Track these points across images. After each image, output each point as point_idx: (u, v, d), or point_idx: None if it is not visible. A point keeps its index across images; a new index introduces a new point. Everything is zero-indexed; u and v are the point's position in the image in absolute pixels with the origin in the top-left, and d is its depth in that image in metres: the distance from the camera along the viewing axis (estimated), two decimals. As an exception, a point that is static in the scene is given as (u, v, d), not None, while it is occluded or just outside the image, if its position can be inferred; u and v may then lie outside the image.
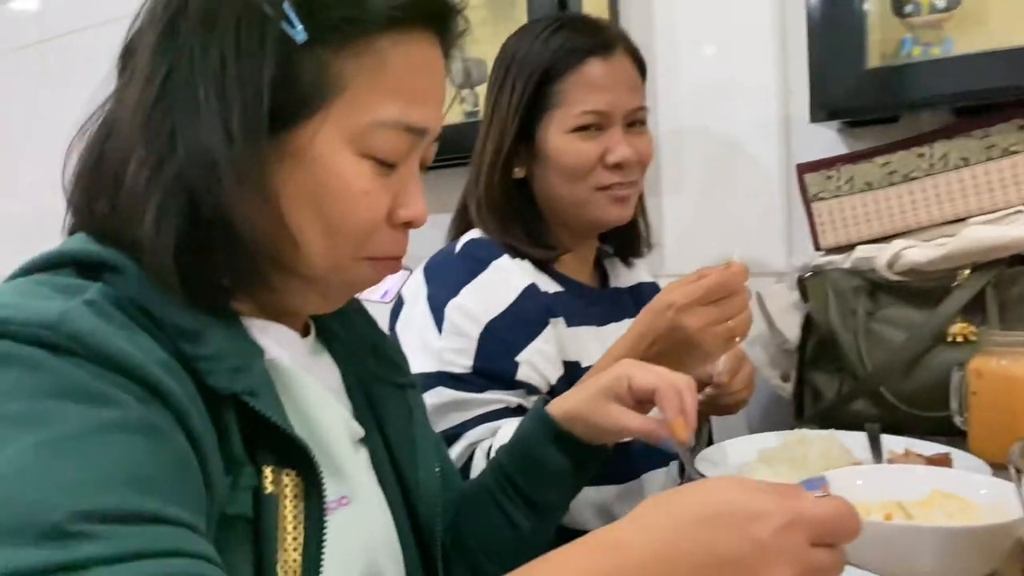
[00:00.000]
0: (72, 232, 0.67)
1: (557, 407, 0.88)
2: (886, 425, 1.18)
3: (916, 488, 0.86)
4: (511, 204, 1.19)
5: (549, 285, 1.18)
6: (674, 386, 0.81)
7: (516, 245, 1.18)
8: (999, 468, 1.02)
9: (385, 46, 0.64)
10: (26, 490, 0.46)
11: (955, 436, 1.12)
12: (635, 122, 1.20)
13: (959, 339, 1.22)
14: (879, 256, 1.31)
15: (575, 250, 1.24)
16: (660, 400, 0.81)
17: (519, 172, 1.19)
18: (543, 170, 1.18)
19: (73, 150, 0.66)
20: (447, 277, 1.15)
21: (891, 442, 1.11)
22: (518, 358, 1.09)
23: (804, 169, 1.40)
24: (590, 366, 1.14)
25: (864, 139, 1.43)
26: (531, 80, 1.15)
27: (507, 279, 1.14)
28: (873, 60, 1.31)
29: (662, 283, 1.46)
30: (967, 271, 1.24)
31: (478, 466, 1.04)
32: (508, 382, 1.08)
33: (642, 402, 0.84)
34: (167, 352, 0.58)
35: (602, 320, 1.25)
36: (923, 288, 1.27)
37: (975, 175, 1.27)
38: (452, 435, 1.07)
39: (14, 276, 0.62)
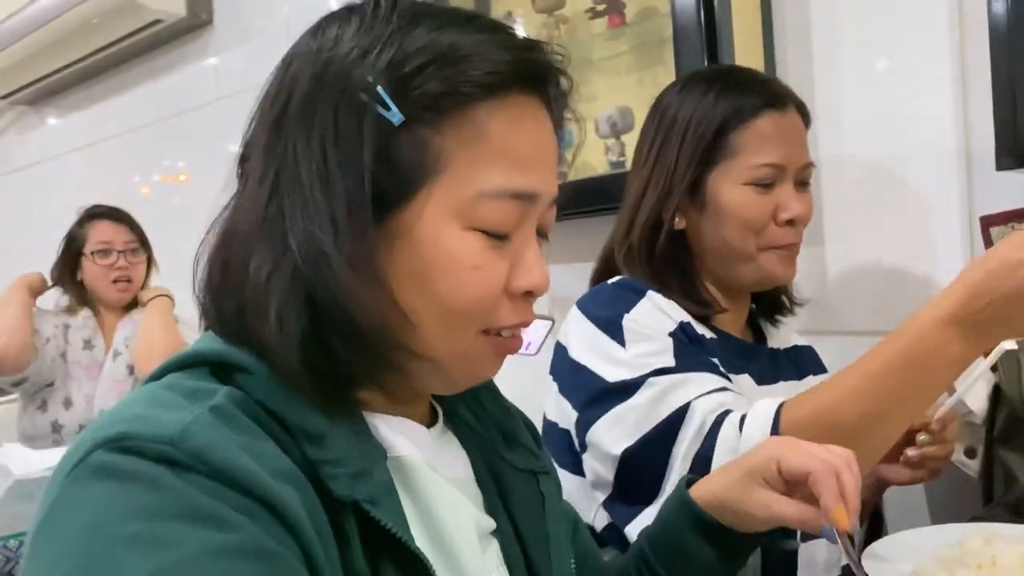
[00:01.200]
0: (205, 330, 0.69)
1: (701, 491, 0.82)
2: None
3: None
4: (667, 255, 1.16)
5: (703, 330, 1.15)
6: (831, 467, 0.73)
7: (668, 296, 1.15)
8: None
9: (483, 115, 0.63)
10: None
11: None
12: (804, 179, 1.18)
13: None
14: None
15: (730, 306, 1.19)
16: (816, 485, 0.73)
17: (680, 223, 1.16)
18: (709, 222, 1.15)
19: (201, 256, 0.68)
20: (610, 303, 1.13)
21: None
22: (703, 357, 1.08)
23: (989, 223, 1.25)
24: None
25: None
26: (707, 131, 1.13)
27: (665, 310, 1.12)
28: (1072, 96, 1.15)
29: (817, 341, 1.36)
30: None
31: (727, 435, 0.99)
32: (715, 369, 1.08)
33: (795, 484, 0.77)
34: (291, 457, 0.58)
35: (760, 377, 1.19)
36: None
37: None
38: (680, 414, 1.02)
39: (153, 377, 0.64)
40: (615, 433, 1.04)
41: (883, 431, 0.96)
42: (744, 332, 1.25)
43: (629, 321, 1.08)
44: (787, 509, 0.76)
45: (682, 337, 1.09)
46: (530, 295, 0.68)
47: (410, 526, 0.63)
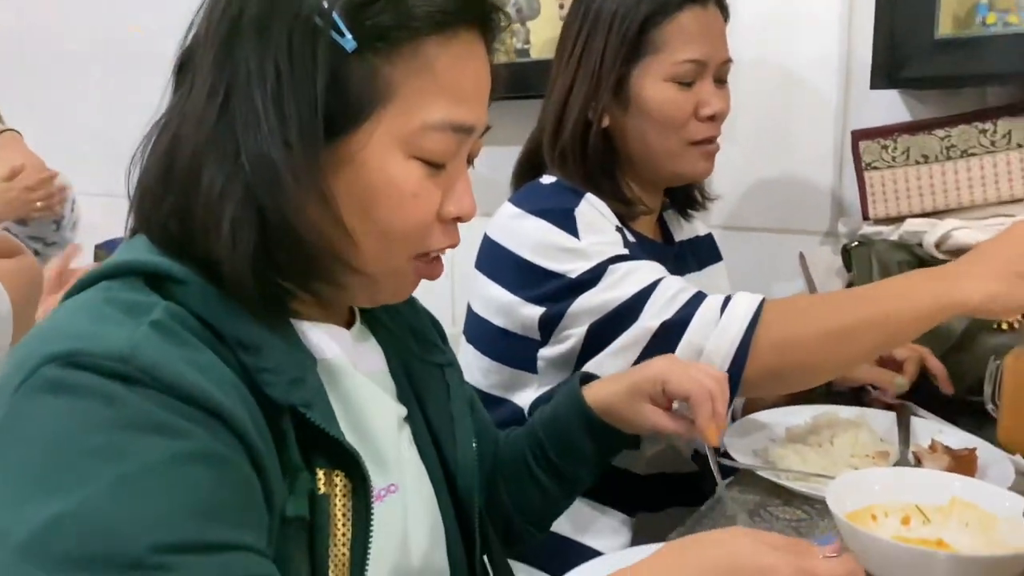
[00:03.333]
0: (133, 234, 0.70)
1: (593, 394, 0.92)
2: (921, 401, 1.20)
3: (936, 493, 0.88)
4: (597, 154, 1.17)
5: (628, 234, 1.18)
6: (708, 391, 0.85)
7: (601, 198, 1.17)
8: (1027, 461, 1.05)
9: (431, 49, 0.66)
10: (110, 523, 0.51)
11: (990, 418, 1.13)
12: (722, 76, 1.19)
13: (1005, 326, 1.22)
14: (929, 233, 1.29)
15: (647, 201, 1.24)
16: (693, 406, 0.85)
17: (605, 121, 1.17)
18: (633, 119, 1.16)
19: (136, 161, 0.68)
20: (554, 198, 1.14)
21: (920, 426, 1.13)
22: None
23: (860, 136, 1.37)
24: None
25: (926, 103, 1.39)
26: (630, 28, 1.13)
27: (603, 212, 1.14)
28: (945, 26, 1.25)
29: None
30: (1018, 257, 1.22)
31: (707, 313, 1.03)
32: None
33: (676, 399, 0.88)
34: (230, 367, 0.62)
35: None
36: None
37: (1038, 156, 1.23)
38: (648, 290, 1.06)
39: (82, 284, 0.65)
40: (583, 320, 1.06)
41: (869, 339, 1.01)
42: (655, 230, 1.30)
43: (579, 213, 1.10)
44: (668, 425, 0.88)
45: (623, 236, 1.13)
46: (459, 220, 0.72)
47: (339, 422, 0.70)
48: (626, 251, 1.10)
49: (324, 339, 0.73)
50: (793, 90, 1.52)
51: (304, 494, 0.65)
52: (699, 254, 1.36)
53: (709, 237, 1.40)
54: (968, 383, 1.19)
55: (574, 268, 1.08)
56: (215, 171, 0.63)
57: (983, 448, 1.05)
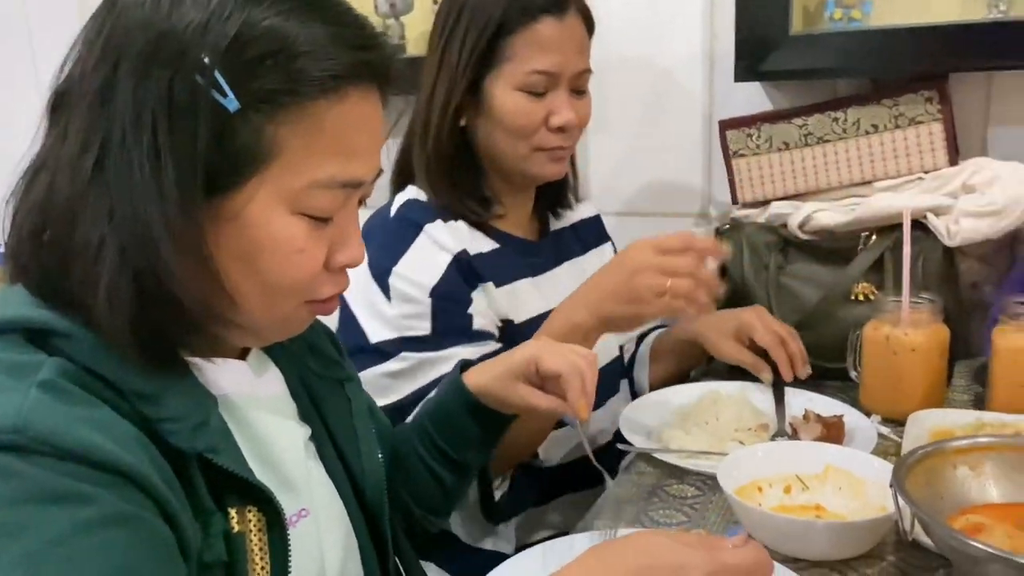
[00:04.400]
0: (12, 281, 0.67)
1: (473, 380, 0.95)
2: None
3: (812, 462, 0.97)
4: (457, 153, 1.19)
5: (483, 244, 1.20)
6: (577, 369, 0.88)
7: (455, 201, 1.19)
8: (888, 422, 1.16)
9: (321, 109, 0.64)
10: None
11: (853, 384, 1.24)
12: (579, 87, 1.20)
13: (861, 297, 1.33)
14: (792, 215, 1.39)
15: (513, 201, 1.26)
16: (564, 383, 0.88)
17: (463, 120, 1.19)
18: (486, 123, 1.18)
19: (10, 203, 0.65)
20: (384, 243, 1.16)
21: (793, 395, 1.23)
22: (470, 310, 1.15)
23: (726, 126, 1.45)
24: (528, 320, 1.21)
25: (785, 94, 1.48)
26: (484, 32, 1.14)
27: (440, 245, 1.16)
28: (797, 22, 1.34)
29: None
30: (872, 235, 1.33)
31: None
32: (468, 334, 1.14)
33: (550, 379, 0.91)
34: (129, 420, 0.60)
35: (539, 270, 1.28)
36: (831, 248, 1.37)
37: (883, 141, 1.34)
38: (426, 391, 1.10)
39: None
40: (369, 391, 1.09)
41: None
42: (529, 225, 1.32)
43: (396, 278, 1.13)
44: (541, 402, 0.91)
45: (451, 284, 1.14)
46: (348, 267, 0.72)
47: (246, 458, 0.70)
48: (425, 331, 1.12)
49: (222, 374, 0.72)
50: (663, 85, 1.59)
51: (219, 536, 0.65)
52: (584, 237, 1.38)
53: (596, 219, 1.43)
54: (828, 352, 1.29)
55: (374, 332, 1.13)
56: (89, 229, 0.61)
57: (849, 413, 1.15)
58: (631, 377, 1.43)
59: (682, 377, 1.41)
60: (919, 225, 1.30)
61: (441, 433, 0.97)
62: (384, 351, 1.13)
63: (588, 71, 1.21)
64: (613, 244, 1.44)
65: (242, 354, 0.78)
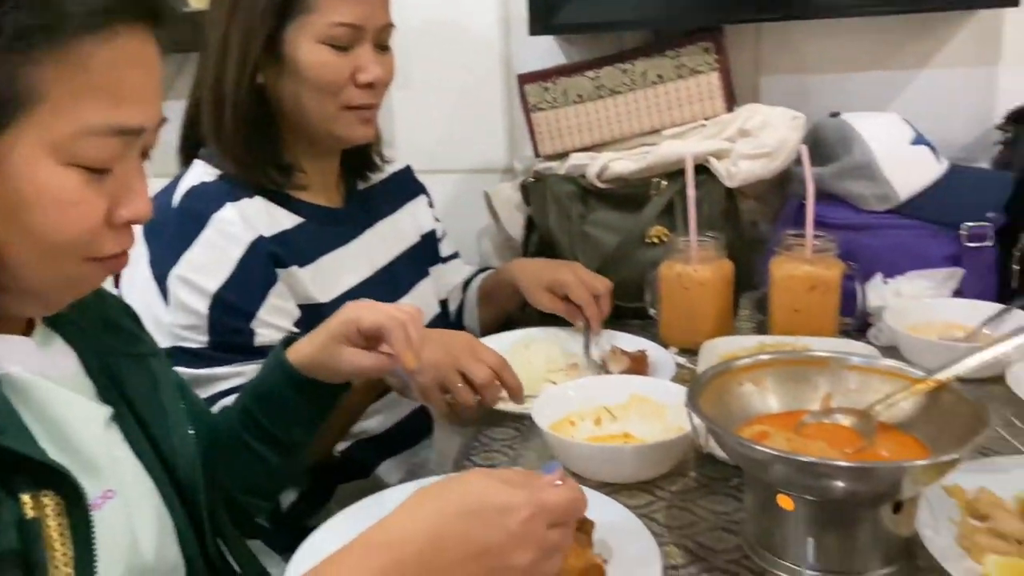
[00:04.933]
0: None
1: (295, 354, 0.92)
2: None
3: (618, 393, 1.03)
4: (253, 114, 1.10)
5: (284, 220, 1.13)
6: (398, 320, 0.88)
7: (253, 170, 1.10)
8: (684, 352, 1.25)
9: (86, 48, 0.60)
10: None
11: (653, 321, 1.33)
12: (383, 41, 1.16)
13: (656, 240, 1.41)
14: (590, 165, 1.45)
15: (316, 167, 1.20)
16: (387, 336, 0.87)
17: (260, 78, 1.10)
18: (289, 81, 1.11)
19: None
20: (166, 239, 1.07)
21: (600, 335, 1.29)
22: (253, 324, 1.06)
23: (524, 80, 1.48)
24: (337, 298, 1.15)
25: (578, 47, 1.53)
26: None
27: (230, 237, 1.07)
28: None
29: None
30: (662, 180, 1.42)
31: None
32: (248, 351, 1.06)
33: (373, 339, 0.90)
34: None
35: (348, 237, 1.23)
36: (627, 195, 1.44)
37: (668, 91, 1.43)
38: None
39: None
40: None
41: None
42: (337, 192, 1.25)
43: (175, 282, 1.04)
44: (366, 361, 0.89)
45: (240, 287, 1.05)
46: (133, 222, 0.67)
47: (37, 439, 0.64)
48: (201, 344, 1.05)
49: (2, 351, 0.66)
50: (462, 40, 1.60)
51: (11, 525, 0.60)
52: (393, 194, 1.35)
53: (407, 171, 1.40)
54: (629, 292, 1.36)
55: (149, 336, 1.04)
56: None
57: (650, 347, 1.23)
58: (462, 325, 1.43)
59: (507, 318, 1.43)
60: (702, 169, 1.39)
61: (266, 414, 0.92)
62: None
63: (391, 25, 1.17)
64: (428, 195, 1.43)
65: (27, 330, 0.71)
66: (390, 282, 1.25)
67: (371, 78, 1.12)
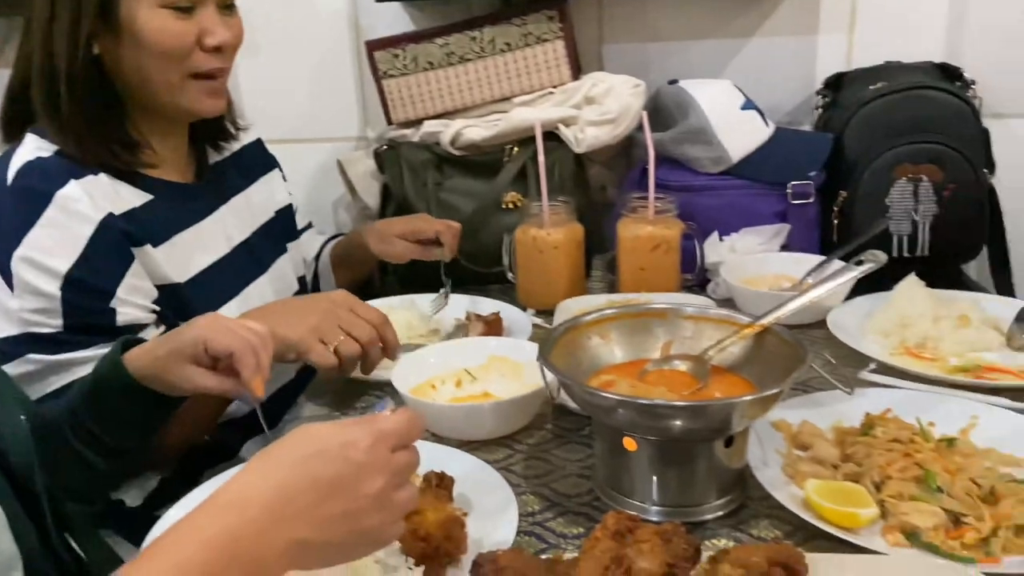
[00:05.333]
0: None
1: (134, 360, 0.88)
2: (457, 279, 1.38)
3: (477, 355, 1.06)
4: (92, 88, 1.02)
5: (133, 198, 1.06)
6: (250, 346, 0.85)
7: (95, 148, 1.03)
8: (540, 313, 1.29)
9: None
10: None
11: (512, 285, 1.36)
12: (227, 2, 1.10)
13: (511, 206, 1.45)
14: (443, 133, 1.46)
15: (165, 143, 1.13)
16: (237, 362, 0.84)
17: (96, 49, 1.02)
18: (128, 50, 1.03)
19: None
20: (3, 221, 0.99)
21: (458, 300, 1.31)
22: (113, 303, 1.00)
23: (373, 47, 1.47)
24: (194, 277, 1.11)
25: (426, 14, 1.53)
26: None
27: (76, 215, 0.99)
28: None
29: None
30: (514, 147, 1.45)
31: None
32: (109, 332, 0.99)
33: (219, 359, 0.87)
34: None
35: (200, 215, 1.17)
36: (481, 162, 1.46)
37: (516, 59, 1.45)
38: (56, 396, 0.98)
39: None
40: None
41: None
42: (187, 167, 1.19)
43: (19, 264, 0.97)
44: (210, 382, 0.86)
45: (93, 266, 0.99)
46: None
47: None
48: (56, 328, 0.98)
49: None
50: (308, 6, 1.56)
51: None
52: (246, 168, 1.30)
53: (258, 144, 1.35)
54: (488, 258, 1.39)
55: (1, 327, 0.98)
56: None
57: (507, 310, 1.26)
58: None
59: (366, 285, 1.42)
60: (552, 136, 1.44)
61: (96, 418, 0.88)
62: (4, 352, 0.97)
63: None
64: (280, 169, 1.39)
65: None
66: (248, 260, 1.22)
67: (218, 41, 1.06)
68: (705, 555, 0.64)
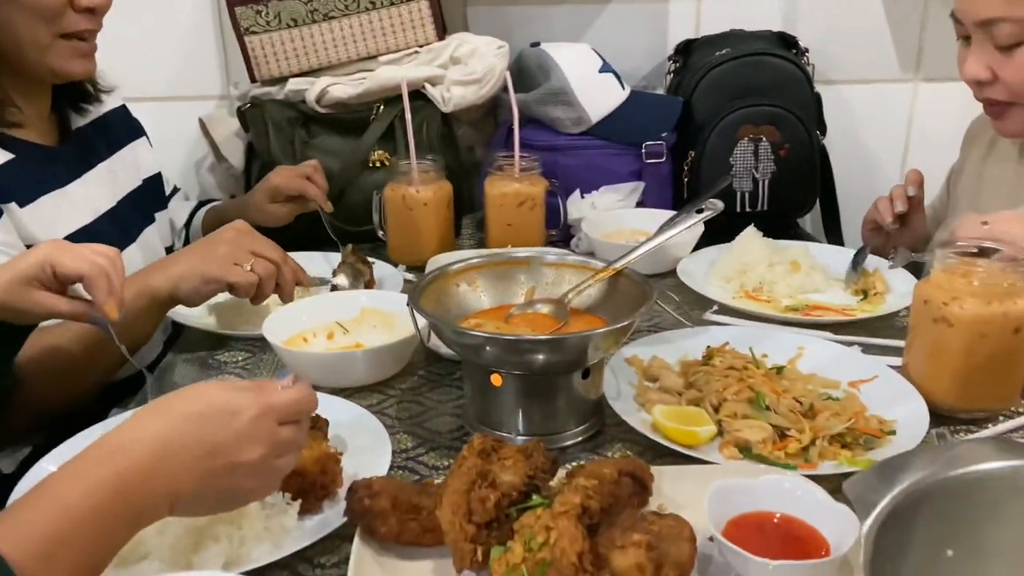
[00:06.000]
0: None
1: None
2: (326, 238, 1.39)
3: (350, 308, 1.08)
4: None
5: None
6: (100, 269, 0.84)
7: None
8: (411, 269, 1.33)
9: None
10: None
11: (383, 243, 1.39)
12: None
13: (378, 164, 1.46)
14: (309, 90, 1.46)
15: (28, 103, 1.09)
16: (89, 285, 0.83)
17: None
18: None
19: None
20: None
21: (330, 258, 1.32)
22: None
23: (234, 3, 1.44)
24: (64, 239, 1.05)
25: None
26: None
27: None
28: None
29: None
30: (381, 105, 1.46)
31: None
32: None
33: (67, 283, 0.86)
34: None
35: (66, 179, 1.14)
36: (348, 120, 1.47)
37: (381, 18, 1.46)
38: None
39: None
40: None
41: None
42: (49, 129, 1.16)
43: None
44: (62, 306, 0.85)
45: None
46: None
47: None
48: None
49: None
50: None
51: None
52: (112, 134, 1.27)
53: (123, 110, 1.32)
54: (357, 216, 1.41)
55: None
56: None
57: (379, 265, 1.29)
58: None
59: None
60: (419, 96, 1.46)
61: None
62: None
63: None
64: (147, 136, 1.35)
65: None
66: (115, 229, 1.18)
67: (91, 2, 1.04)
68: (564, 473, 0.71)
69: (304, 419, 0.67)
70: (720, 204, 0.98)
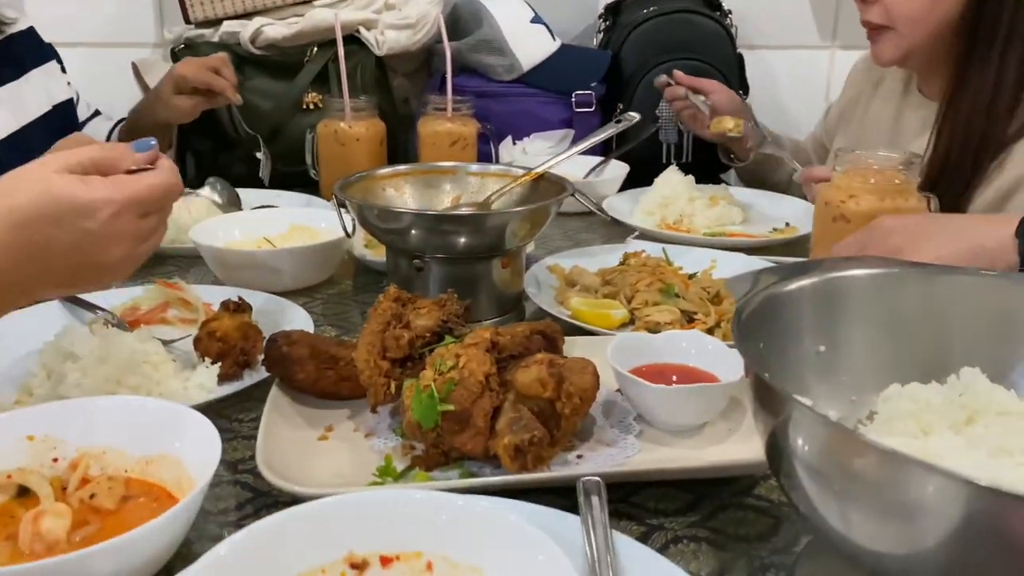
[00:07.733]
0: None
1: None
2: (259, 181, 1.41)
3: (279, 224, 1.10)
4: None
5: None
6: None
7: None
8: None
9: None
10: None
11: (316, 182, 1.40)
12: None
13: (311, 106, 1.48)
14: (243, 32, 1.47)
15: None
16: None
17: None
18: None
19: None
20: None
21: (258, 195, 1.33)
22: None
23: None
24: None
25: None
26: None
27: None
28: None
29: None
30: (315, 47, 1.48)
31: None
32: None
33: None
34: None
35: None
36: (282, 62, 1.48)
37: (318, -38, 1.49)
38: None
39: None
40: None
41: None
42: None
43: None
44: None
45: None
46: None
47: None
48: None
49: None
50: None
51: None
52: (16, 58, 1.24)
53: (30, 32, 1.29)
54: (291, 157, 1.42)
55: None
56: None
57: (317, 201, 1.31)
58: None
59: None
60: (354, 40, 1.48)
61: None
62: None
63: None
64: (60, 60, 1.34)
65: None
66: (18, 154, 1.16)
67: None
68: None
69: (167, 206, 0.61)
70: (635, 115, 1.02)
